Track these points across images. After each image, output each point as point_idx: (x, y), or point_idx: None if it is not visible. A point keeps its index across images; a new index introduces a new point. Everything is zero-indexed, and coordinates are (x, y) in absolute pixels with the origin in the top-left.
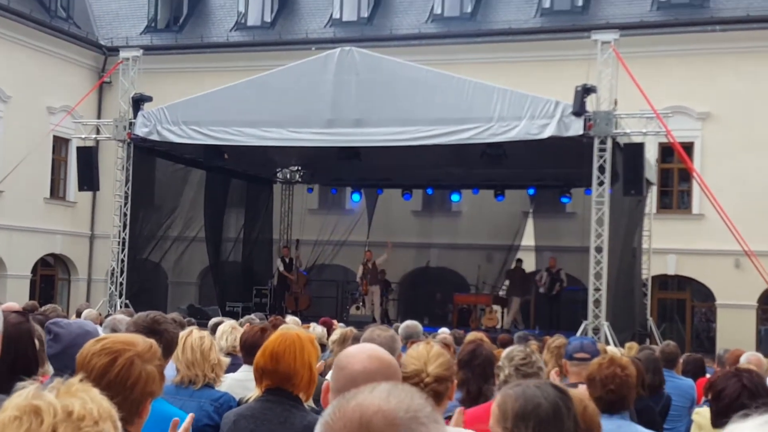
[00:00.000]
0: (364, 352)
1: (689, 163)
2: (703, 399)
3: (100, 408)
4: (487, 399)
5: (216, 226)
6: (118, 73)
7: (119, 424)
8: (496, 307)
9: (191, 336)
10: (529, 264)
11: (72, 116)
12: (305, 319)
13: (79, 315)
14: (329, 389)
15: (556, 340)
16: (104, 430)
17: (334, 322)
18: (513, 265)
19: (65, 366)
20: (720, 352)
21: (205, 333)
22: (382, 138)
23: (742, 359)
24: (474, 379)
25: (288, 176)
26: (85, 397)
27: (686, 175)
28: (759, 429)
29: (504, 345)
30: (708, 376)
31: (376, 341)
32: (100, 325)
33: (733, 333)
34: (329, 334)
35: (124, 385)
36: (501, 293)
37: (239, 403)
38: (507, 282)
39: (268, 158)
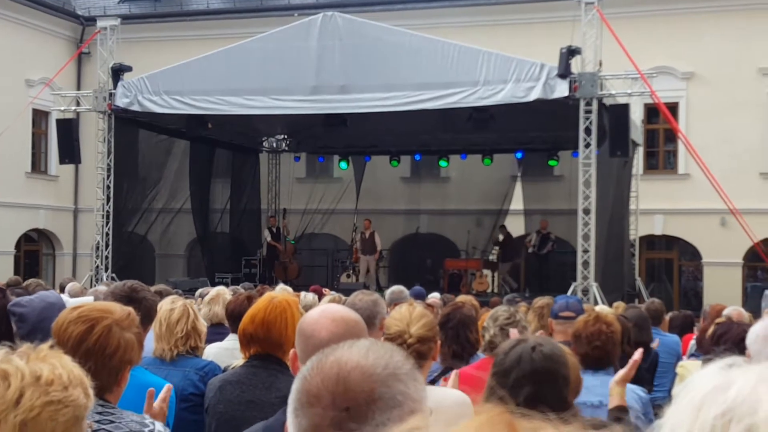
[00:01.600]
0: (326, 316)
1: (674, 123)
2: (688, 353)
3: (71, 374)
4: (465, 359)
5: (202, 197)
6: (96, 44)
7: (91, 391)
8: (487, 272)
9: (162, 308)
10: (519, 227)
11: (51, 88)
12: (295, 288)
13: (62, 289)
14: (297, 358)
15: (540, 300)
16: (74, 395)
17: (325, 290)
18: (500, 237)
19: (41, 342)
20: (706, 308)
21: (180, 303)
22: (368, 104)
23: (725, 312)
24: (446, 341)
25: (274, 145)
26: (55, 363)
27: (672, 136)
28: (721, 370)
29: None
30: (695, 332)
31: (357, 305)
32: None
33: (720, 290)
34: (320, 301)
35: (102, 353)
36: (491, 258)
37: (224, 371)
38: (496, 248)
39: (252, 127)
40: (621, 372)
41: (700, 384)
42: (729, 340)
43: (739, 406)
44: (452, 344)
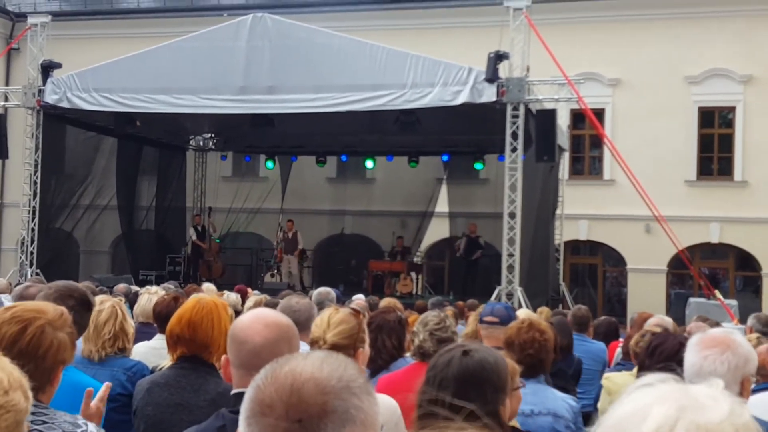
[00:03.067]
0: (258, 321)
1: (600, 128)
2: (614, 362)
3: (10, 377)
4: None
5: (128, 194)
6: (26, 40)
7: (30, 393)
8: (411, 274)
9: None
10: (444, 230)
11: None
12: (219, 287)
13: None
14: (229, 363)
15: (478, 306)
16: (14, 399)
17: (249, 289)
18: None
19: None
20: (633, 316)
21: (108, 304)
22: (295, 105)
23: (649, 322)
24: (374, 348)
25: (201, 143)
26: None
27: (597, 141)
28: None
29: (421, 311)
30: (621, 339)
31: (295, 308)
32: (10, 294)
33: (644, 297)
34: (244, 301)
35: (35, 354)
36: (416, 260)
37: (152, 372)
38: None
39: (180, 125)
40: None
41: (625, 407)
42: (664, 352)
43: None
44: (381, 351)
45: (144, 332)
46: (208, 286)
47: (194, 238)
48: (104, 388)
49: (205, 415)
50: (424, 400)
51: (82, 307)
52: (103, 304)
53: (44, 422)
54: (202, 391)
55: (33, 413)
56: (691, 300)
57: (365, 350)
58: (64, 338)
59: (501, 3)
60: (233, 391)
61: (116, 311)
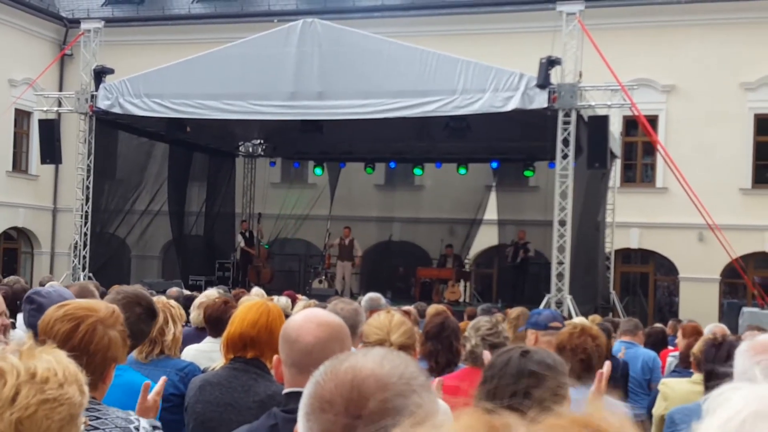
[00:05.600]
0: (311, 321)
1: (654, 135)
2: (668, 370)
3: (66, 371)
4: (452, 369)
5: (179, 199)
6: (79, 46)
7: (86, 388)
8: (459, 282)
9: None
10: (492, 238)
11: (33, 89)
12: (268, 293)
13: (41, 287)
14: (281, 363)
15: (515, 311)
16: (68, 393)
17: (298, 295)
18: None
19: None
20: (682, 323)
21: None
22: (344, 111)
23: (708, 329)
24: (443, 350)
25: (250, 150)
26: (50, 359)
27: (650, 149)
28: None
29: (471, 318)
30: (670, 347)
31: (339, 314)
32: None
33: (696, 306)
34: (293, 307)
35: (87, 351)
36: (464, 267)
37: (203, 372)
38: None
39: (230, 131)
40: (592, 388)
41: (739, 406)
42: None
43: None
44: (447, 353)
45: (200, 337)
46: (257, 291)
47: (242, 244)
48: (161, 382)
49: (253, 416)
50: (480, 401)
51: (147, 316)
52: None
53: (97, 417)
54: (252, 392)
55: (86, 409)
56: (745, 309)
57: (416, 351)
58: (115, 336)
59: (554, 8)
60: (285, 391)
61: (164, 317)
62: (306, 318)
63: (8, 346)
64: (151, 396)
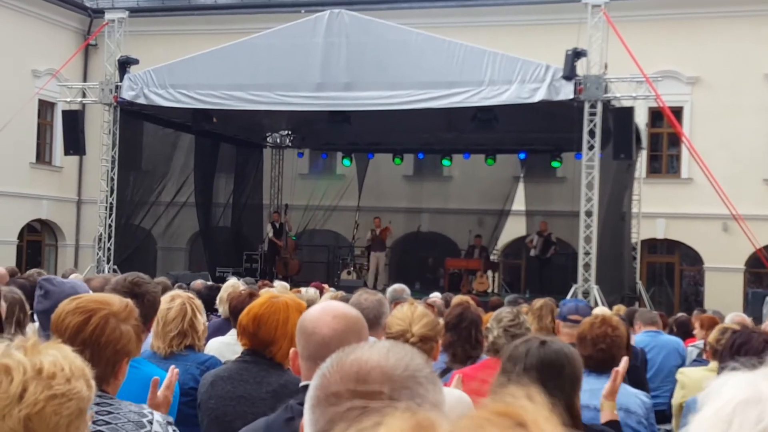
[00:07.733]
0: (327, 313)
1: (678, 127)
2: (689, 358)
3: (72, 365)
4: (474, 361)
5: (206, 191)
6: (103, 36)
7: (93, 383)
8: (488, 272)
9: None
10: (520, 228)
11: (57, 79)
12: (296, 284)
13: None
14: (297, 356)
15: (539, 301)
16: (77, 388)
17: (325, 286)
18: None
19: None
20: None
21: (178, 302)
22: (372, 102)
23: (729, 318)
24: (460, 341)
25: (278, 141)
26: (56, 354)
27: (675, 140)
28: (750, 382)
29: (495, 308)
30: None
31: (363, 305)
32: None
33: (721, 296)
34: (321, 296)
35: (98, 343)
36: (492, 258)
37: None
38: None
39: (257, 122)
40: (607, 386)
41: (729, 395)
42: (750, 350)
43: None
44: (465, 344)
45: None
46: (280, 284)
47: (271, 235)
48: (170, 372)
49: (267, 407)
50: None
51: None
52: (174, 300)
53: (109, 412)
54: (265, 383)
55: (98, 403)
56: None
57: (439, 343)
58: (128, 330)
59: (579, 0)
60: (301, 384)
61: (186, 308)
62: (323, 310)
63: (12, 342)
64: (161, 391)
